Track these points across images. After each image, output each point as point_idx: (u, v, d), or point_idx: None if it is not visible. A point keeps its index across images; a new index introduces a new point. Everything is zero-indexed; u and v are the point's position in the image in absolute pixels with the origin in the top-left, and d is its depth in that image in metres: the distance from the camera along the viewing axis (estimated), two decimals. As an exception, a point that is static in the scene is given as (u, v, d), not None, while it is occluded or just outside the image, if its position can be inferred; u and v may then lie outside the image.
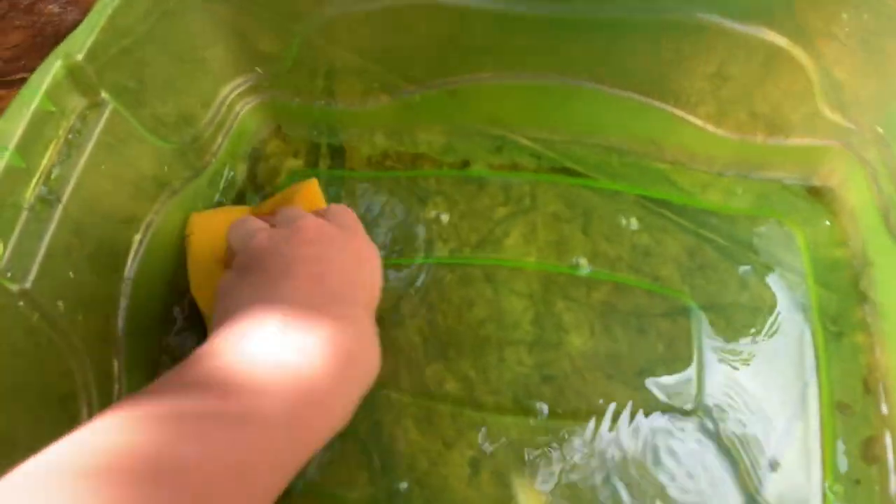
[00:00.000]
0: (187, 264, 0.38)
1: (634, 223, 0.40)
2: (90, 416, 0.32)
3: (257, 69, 0.43)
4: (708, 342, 0.36)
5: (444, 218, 0.40)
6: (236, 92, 0.43)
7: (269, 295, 0.28)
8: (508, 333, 0.37)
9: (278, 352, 0.25)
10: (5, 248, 0.29)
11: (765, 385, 0.35)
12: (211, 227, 0.38)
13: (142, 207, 0.37)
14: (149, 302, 0.36)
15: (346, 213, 0.34)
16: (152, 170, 0.37)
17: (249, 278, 0.29)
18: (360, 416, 0.34)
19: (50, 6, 0.48)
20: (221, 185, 0.42)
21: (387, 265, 0.39)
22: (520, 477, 0.33)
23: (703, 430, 0.34)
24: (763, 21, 0.38)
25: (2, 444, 0.28)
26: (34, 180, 0.30)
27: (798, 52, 0.38)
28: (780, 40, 0.38)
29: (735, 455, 0.33)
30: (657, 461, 0.33)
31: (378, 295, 0.31)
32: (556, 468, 0.33)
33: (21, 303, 0.29)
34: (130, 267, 0.36)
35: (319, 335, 0.26)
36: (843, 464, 0.33)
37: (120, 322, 0.35)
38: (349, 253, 0.31)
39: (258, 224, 0.32)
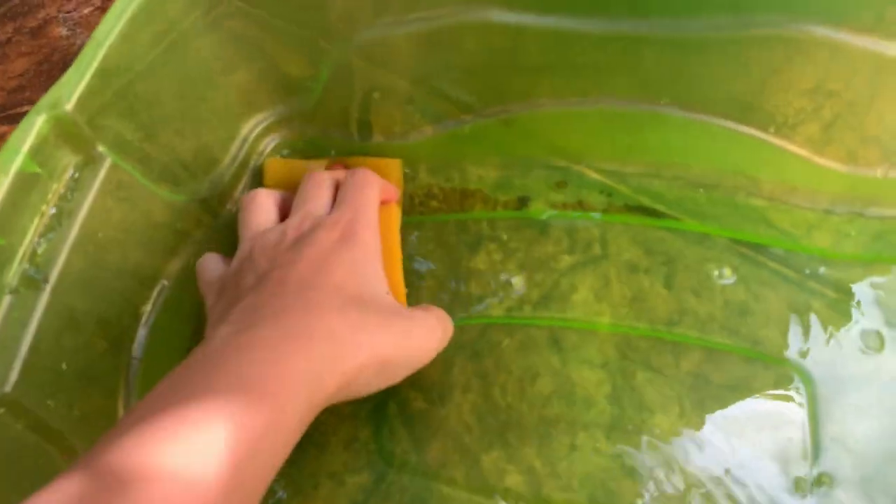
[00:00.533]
0: None
1: (727, 273, 0.33)
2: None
3: (284, 99, 0.37)
4: (824, 422, 0.30)
5: (500, 268, 0.35)
6: (260, 127, 0.38)
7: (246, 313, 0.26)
8: (580, 414, 0.31)
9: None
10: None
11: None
12: (288, 175, 0.36)
13: (151, 271, 0.32)
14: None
15: (362, 184, 0.32)
16: (164, 225, 0.32)
17: (244, 278, 0.28)
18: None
19: (58, 29, 0.43)
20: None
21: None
22: None
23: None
24: (882, 32, 0.31)
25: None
26: (17, 258, 0.26)
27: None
28: (881, 46, 0.31)
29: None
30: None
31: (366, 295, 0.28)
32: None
33: (1, 410, 0.25)
34: (138, 343, 0.31)
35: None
36: None
37: (125, 407, 0.30)
38: (329, 248, 0.29)
39: (271, 208, 0.32)
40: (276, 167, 0.37)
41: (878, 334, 0.31)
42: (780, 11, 0.31)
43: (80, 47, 0.42)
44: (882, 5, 0.30)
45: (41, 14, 0.42)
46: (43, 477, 0.26)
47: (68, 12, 0.42)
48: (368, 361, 0.26)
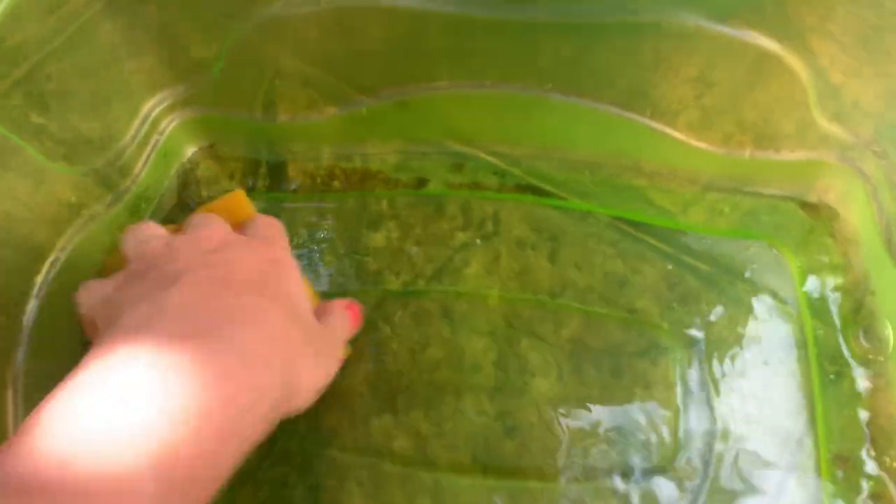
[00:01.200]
0: None
1: (608, 249, 0.35)
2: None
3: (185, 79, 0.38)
4: (691, 386, 0.32)
5: (397, 245, 0.36)
6: (161, 107, 0.38)
7: (157, 305, 0.23)
8: (467, 378, 0.32)
9: (143, 411, 0.20)
10: None
11: (755, 435, 0.30)
12: None
13: (46, 243, 0.32)
14: (52, 353, 0.32)
15: (269, 224, 0.30)
16: (59, 198, 0.33)
17: (137, 286, 0.25)
18: (294, 480, 0.30)
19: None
20: (148, 212, 0.38)
21: (333, 299, 0.34)
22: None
23: (686, 489, 0.30)
24: (750, 22, 0.34)
25: None
26: None
27: (789, 55, 0.34)
28: (762, 41, 0.34)
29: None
30: (635, 530, 0.29)
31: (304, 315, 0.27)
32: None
33: None
34: (30, 314, 0.31)
35: (197, 372, 0.21)
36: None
37: (14, 378, 0.30)
38: (262, 261, 0.27)
39: (156, 230, 0.28)
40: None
41: (745, 303, 0.34)
42: (661, 3, 0.33)
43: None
44: (762, 3, 0.32)
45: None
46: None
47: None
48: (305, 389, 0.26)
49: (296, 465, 0.31)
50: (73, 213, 0.34)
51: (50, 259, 0.32)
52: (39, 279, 0.32)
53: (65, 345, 0.32)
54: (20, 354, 0.31)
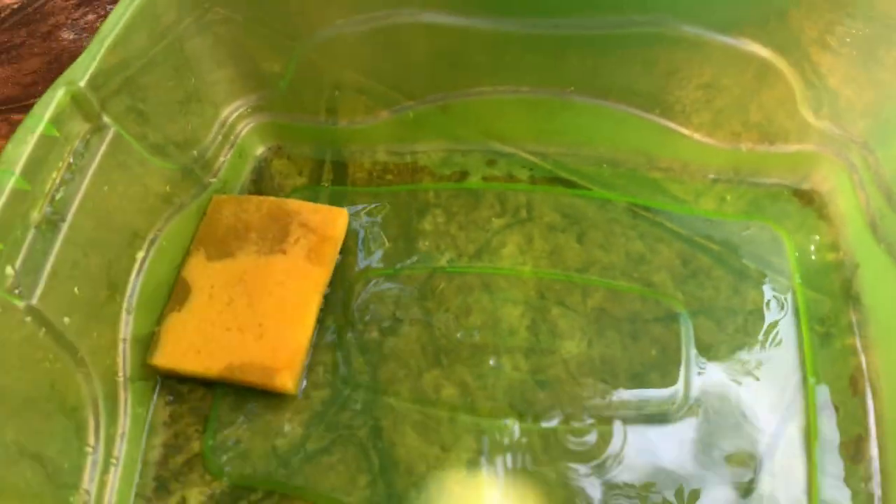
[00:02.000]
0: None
1: (629, 231, 0.40)
2: (96, 425, 0.33)
3: (258, 90, 0.44)
4: (700, 346, 0.36)
5: (443, 229, 0.41)
6: (237, 113, 0.44)
7: None
8: (504, 340, 0.37)
9: None
10: (13, 266, 0.30)
11: (754, 388, 0.35)
12: (228, 210, 0.41)
13: (145, 225, 0.38)
14: (150, 317, 0.38)
15: None
16: (156, 188, 0.39)
17: None
18: (359, 421, 0.35)
19: (66, 33, 0.50)
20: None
21: (387, 275, 0.40)
22: (514, 480, 0.34)
23: (694, 431, 0.34)
24: (751, 33, 0.38)
25: (12, 451, 0.29)
26: (40, 202, 0.32)
27: (786, 64, 0.39)
28: (767, 52, 0.39)
29: (723, 459, 0.34)
30: (647, 465, 0.34)
31: None
32: (551, 472, 0.34)
33: (28, 318, 0.31)
34: (134, 283, 0.37)
35: None
36: (831, 463, 0.33)
37: (123, 336, 0.36)
38: None
39: None
40: (220, 204, 0.41)
41: (748, 276, 0.38)
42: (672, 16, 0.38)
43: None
44: (766, 19, 0.37)
45: (51, 20, 0.48)
46: (59, 373, 0.32)
47: (75, 19, 0.49)
48: None
49: (358, 410, 0.36)
50: (165, 203, 0.40)
51: (148, 239, 0.38)
52: (141, 255, 0.38)
53: (160, 310, 0.38)
54: (125, 318, 0.37)
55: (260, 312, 0.37)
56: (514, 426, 0.35)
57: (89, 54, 0.34)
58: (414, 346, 0.38)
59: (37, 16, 0.49)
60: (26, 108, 0.47)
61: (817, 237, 0.39)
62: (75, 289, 0.33)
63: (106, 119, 0.35)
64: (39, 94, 0.48)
